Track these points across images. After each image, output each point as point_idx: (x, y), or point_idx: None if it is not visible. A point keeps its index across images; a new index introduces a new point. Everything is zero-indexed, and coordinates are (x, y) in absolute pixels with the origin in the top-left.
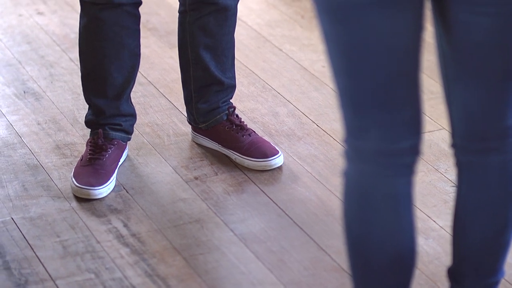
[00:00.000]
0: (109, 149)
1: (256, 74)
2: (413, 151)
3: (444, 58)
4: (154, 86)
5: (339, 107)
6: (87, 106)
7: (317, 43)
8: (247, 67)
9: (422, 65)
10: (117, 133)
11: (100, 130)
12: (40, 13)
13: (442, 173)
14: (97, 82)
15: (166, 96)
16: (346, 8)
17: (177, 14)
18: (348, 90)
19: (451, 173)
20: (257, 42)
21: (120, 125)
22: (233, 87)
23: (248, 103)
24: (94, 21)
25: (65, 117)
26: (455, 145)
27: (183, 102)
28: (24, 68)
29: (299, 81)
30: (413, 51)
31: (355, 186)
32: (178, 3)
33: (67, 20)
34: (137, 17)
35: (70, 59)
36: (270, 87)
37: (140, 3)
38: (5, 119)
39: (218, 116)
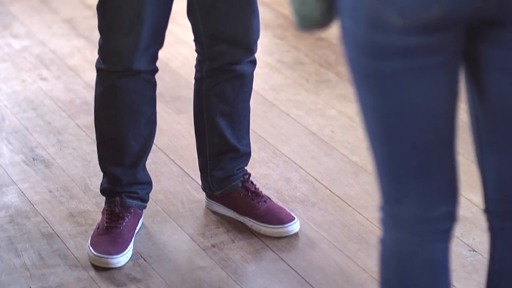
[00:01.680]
0: (126, 217)
1: (265, 140)
2: (450, 217)
3: (477, 123)
4: (164, 153)
5: (375, 174)
6: (98, 173)
7: (324, 107)
8: (255, 132)
9: (457, 130)
10: (134, 201)
11: (117, 198)
12: (43, 79)
13: (458, 237)
14: (114, 150)
15: (176, 162)
16: (383, 74)
17: (182, 79)
18: (384, 157)
19: (467, 237)
20: (263, 107)
21: (137, 193)
22: (248, 154)
23: (259, 169)
24: (111, 89)
25: (76, 184)
26: (488, 210)
27: (195, 169)
28: (31, 135)
29: (309, 146)
30: (449, 116)
31: (393, 253)
32: (182, 67)
33: (71, 85)
34: (154, 84)
35: (77, 125)
36: (280, 152)
37: (157, 70)
38: (16, 186)
39: (234, 183)
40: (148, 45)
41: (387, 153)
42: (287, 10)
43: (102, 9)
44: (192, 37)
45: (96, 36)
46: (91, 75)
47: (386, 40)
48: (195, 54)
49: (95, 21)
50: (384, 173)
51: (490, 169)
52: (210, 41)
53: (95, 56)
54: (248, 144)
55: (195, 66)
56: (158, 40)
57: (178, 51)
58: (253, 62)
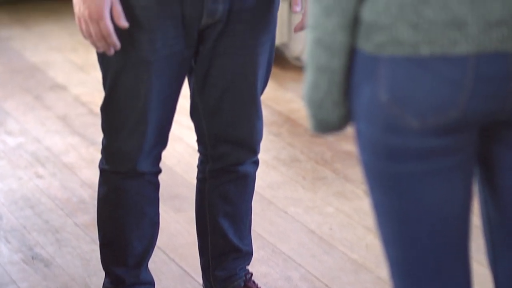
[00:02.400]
0: None
1: (264, 238)
2: None
3: (490, 224)
4: (164, 252)
5: (389, 276)
6: (98, 272)
7: (322, 205)
8: (254, 231)
9: (470, 232)
10: None
11: None
12: (39, 176)
13: None
14: (117, 251)
15: (176, 261)
16: (399, 177)
17: (178, 176)
18: (398, 258)
19: None
20: (261, 205)
21: None
22: (250, 254)
23: (259, 268)
24: (115, 190)
25: (76, 283)
26: None
27: (195, 267)
28: (29, 233)
29: (308, 244)
30: (463, 218)
31: None
32: (178, 165)
33: (67, 183)
34: (157, 185)
35: (75, 224)
36: (280, 250)
37: (160, 171)
38: (16, 286)
39: (236, 283)
40: (152, 146)
41: (401, 254)
42: (281, 107)
43: (106, 110)
44: (188, 135)
45: (91, 133)
46: (87, 173)
47: (403, 143)
48: (191, 151)
49: (89, 118)
50: (398, 275)
51: (502, 269)
52: (214, 142)
53: (91, 153)
54: (250, 244)
55: (197, 166)
56: (162, 141)
57: (174, 148)
58: (256, 163)
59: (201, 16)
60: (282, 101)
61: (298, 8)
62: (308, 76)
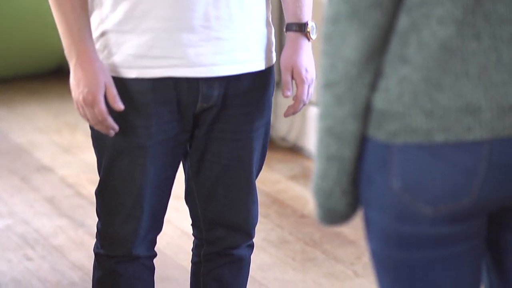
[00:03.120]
0: None
1: None
2: None
3: None
4: None
5: None
6: None
7: (312, 286)
8: None
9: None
10: None
11: None
12: (29, 259)
13: None
14: None
15: None
16: (409, 264)
17: (168, 259)
18: None
19: None
20: (252, 287)
21: None
22: None
23: None
24: (109, 274)
25: None
26: None
27: None
28: None
29: None
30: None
31: None
32: (168, 247)
33: (57, 266)
34: (152, 269)
35: None
36: None
37: (155, 255)
38: None
39: None
40: (148, 231)
41: None
42: (268, 188)
43: (102, 194)
44: (176, 217)
45: (79, 215)
46: (77, 255)
47: (414, 230)
48: (180, 234)
49: (76, 200)
50: None
51: None
52: (209, 226)
53: (79, 235)
54: None
55: (192, 250)
56: (157, 225)
57: (164, 231)
58: (251, 246)
59: (196, 101)
60: (269, 182)
61: (289, 93)
62: (316, 166)
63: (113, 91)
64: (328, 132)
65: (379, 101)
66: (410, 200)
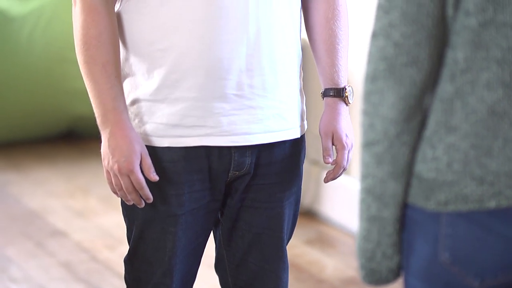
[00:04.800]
0: None
1: None
2: None
3: None
4: None
5: None
6: None
7: None
8: None
9: None
10: None
11: None
12: None
13: None
14: None
15: None
16: None
17: None
18: None
19: None
20: None
21: None
22: None
23: None
24: None
25: None
26: None
27: None
28: None
29: None
30: None
31: None
32: None
33: None
34: None
35: None
36: None
37: None
38: None
39: None
40: None
41: None
42: None
43: (131, 262)
44: (207, 285)
45: (96, 280)
46: None
47: None
48: None
49: (92, 265)
50: None
51: None
52: None
53: None
54: None
55: None
56: None
57: None
58: None
59: (228, 169)
60: None
61: (330, 159)
62: (359, 225)
63: (149, 161)
64: (368, 192)
65: (427, 171)
66: (457, 272)
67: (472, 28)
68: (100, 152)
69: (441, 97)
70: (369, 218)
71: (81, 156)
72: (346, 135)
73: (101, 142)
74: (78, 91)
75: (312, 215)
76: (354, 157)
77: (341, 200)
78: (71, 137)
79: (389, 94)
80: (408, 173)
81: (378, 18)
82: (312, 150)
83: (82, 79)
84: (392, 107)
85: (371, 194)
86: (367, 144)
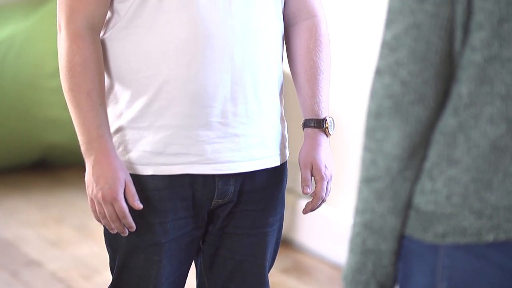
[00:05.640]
0: None
1: None
2: None
3: None
4: None
5: None
6: None
7: None
8: None
9: None
10: None
11: None
12: None
13: None
14: None
15: None
16: None
17: None
18: None
19: None
20: None
21: None
22: None
23: None
24: None
25: None
26: None
27: None
28: None
29: None
30: None
31: None
32: None
33: None
34: None
35: None
36: None
37: None
38: None
39: None
40: None
41: None
42: None
43: None
44: None
45: None
46: None
47: None
48: None
49: None
50: None
51: None
52: None
53: None
54: None
55: None
56: None
57: None
58: None
59: (212, 197)
60: None
61: (309, 190)
62: (351, 259)
63: (133, 190)
64: (365, 227)
65: (426, 203)
66: None
67: (477, 63)
68: (73, 181)
69: (443, 130)
70: (364, 251)
71: (54, 185)
72: (326, 166)
73: (74, 170)
74: (50, 119)
75: (287, 243)
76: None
77: (317, 228)
78: (43, 166)
79: (394, 132)
80: (407, 207)
81: (383, 55)
82: (288, 178)
83: (55, 107)
84: (397, 145)
85: (368, 228)
86: (368, 180)
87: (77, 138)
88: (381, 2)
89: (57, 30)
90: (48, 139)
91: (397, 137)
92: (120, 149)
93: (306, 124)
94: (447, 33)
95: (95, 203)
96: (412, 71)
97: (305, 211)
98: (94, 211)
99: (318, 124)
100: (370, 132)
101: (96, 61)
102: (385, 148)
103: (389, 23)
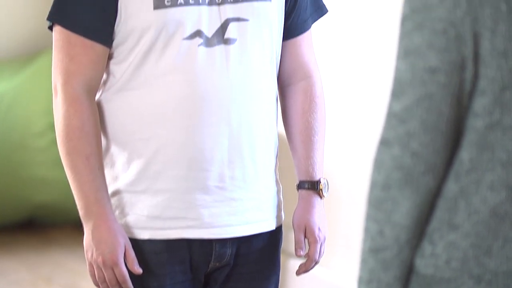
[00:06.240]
0: None
1: None
2: None
3: None
4: None
5: None
6: None
7: None
8: None
9: None
10: None
11: None
12: None
13: None
14: None
15: None
16: None
17: None
18: None
19: None
20: None
21: None
22: None
23: None
24: None
25: None
26: None
27: None
28: None
29: None
30: None
31: None
32: None
33: None
34: None
35: None
36: None
37: None
38: None
39: None
40: None
41: None
42: None
43: None
44: None
45: None
46: None
47: None
48: None
49: None
50: None
51: None
52: None
53: None
54: None
55: None
56: None
57: None
58: None
59: (209, 260)
60: None
61: (302, 252)
62: None
63: (132, 254)
64: None
65: (425, 267)
66: None
67: (478, 130)
68: (62, 241)
69: (445, 195)
70: None
71: (43, 245)
72: (319, 229)
73: (63, 229)
74: (38, 178)
75: None
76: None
77: None
78: (32, 225)
79: (404, 203)
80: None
81: (391, 126)
82: None
83: (43, 166)
84: (406, 215)
85: None
86: (374, 250)
87: (65, 197)
88: (371, 66)
89: (52, 93)
90: (37, 198)
91: (407, 207)
92: (117, 212)
93: (301, 186)
94: (457, 101)
95: (95, 267)
96: (423, 142)
97: (298, 273)
98: (93, 276)
99: (312, 186)
100: (377, 203)
101: (93, 124)
102: (393, 219)
103: (399, 94)
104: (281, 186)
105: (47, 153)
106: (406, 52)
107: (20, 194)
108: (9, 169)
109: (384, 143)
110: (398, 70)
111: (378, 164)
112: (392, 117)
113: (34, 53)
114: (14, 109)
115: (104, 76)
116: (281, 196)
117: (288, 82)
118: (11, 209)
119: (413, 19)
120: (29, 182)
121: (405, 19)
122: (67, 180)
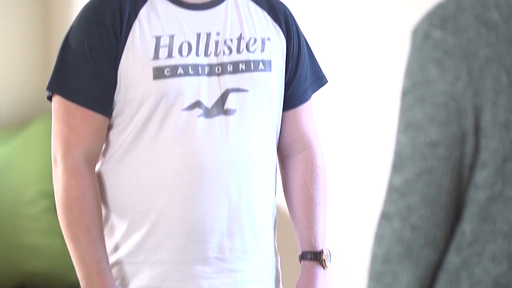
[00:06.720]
0: None
1: None
2: None
3: None
4: None
5: None
6: None
7: None
8: None
9: None
10: None
11: None
12: None
13: None
14: None
15: None
16: None
17: None
18: None
19: None
20: None
21: None
22: None
23: None
24: None
25: None
26: None
27: None
28: None
29: None
30: None
31: None
32: None
33: None
34: None
35: None
36: None
37: None
38: None
39: None
40: None
41: None
42: None
43: None
44: None
45: None
46: None
47: None
48: None
49: None
50: None
51: None
52: None
53: None
54: None
55: None
56: None
57: None
58: None
59: None
60: None
61: None
62: None
63: None
64: None
65: None
66: None
67: (480, 202)
68: None
69: (447, 268)
70: None
71: None
72: None
73: None
74: (30, 246)
75: None
76: None
77: None
78: None
79: (404, 276)
80: None
81: (392, 200)
82: None
83: (34, 234)
84: None
85: None
86: None
87: (57, 265)
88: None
89: (43, 160)
90: (28, 266)
91: (407, 281)
92: (117, 282)
93: (303, 256)
94: (457, 175)
95: None
96: (423, 216)
97: None
98: None
99: (315, 257)
100: (377, 277)
101: (94, 195)
102: None
103: (399, 168)
104: (279, 258)
105: (38, 221)
106: (406, 125)
107: (11, 262)
108: (0, 237)
109: (385, 216)
110: (398, 144)
111: (379, 238)
112: (393, 191)
113: (25, 120)
114: (4, 177)
115: (104, 146)
116: (280, 268)
117: (288, 153)
118: (2, 277)
119: (414, 93)
120: (21, 250)
121: (406, 93)
122: (59, 248)
